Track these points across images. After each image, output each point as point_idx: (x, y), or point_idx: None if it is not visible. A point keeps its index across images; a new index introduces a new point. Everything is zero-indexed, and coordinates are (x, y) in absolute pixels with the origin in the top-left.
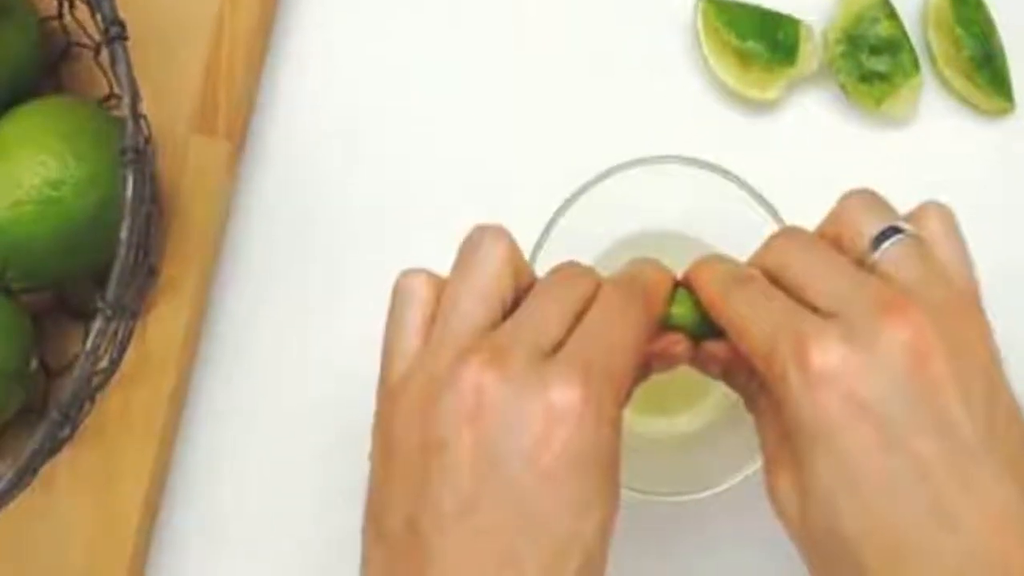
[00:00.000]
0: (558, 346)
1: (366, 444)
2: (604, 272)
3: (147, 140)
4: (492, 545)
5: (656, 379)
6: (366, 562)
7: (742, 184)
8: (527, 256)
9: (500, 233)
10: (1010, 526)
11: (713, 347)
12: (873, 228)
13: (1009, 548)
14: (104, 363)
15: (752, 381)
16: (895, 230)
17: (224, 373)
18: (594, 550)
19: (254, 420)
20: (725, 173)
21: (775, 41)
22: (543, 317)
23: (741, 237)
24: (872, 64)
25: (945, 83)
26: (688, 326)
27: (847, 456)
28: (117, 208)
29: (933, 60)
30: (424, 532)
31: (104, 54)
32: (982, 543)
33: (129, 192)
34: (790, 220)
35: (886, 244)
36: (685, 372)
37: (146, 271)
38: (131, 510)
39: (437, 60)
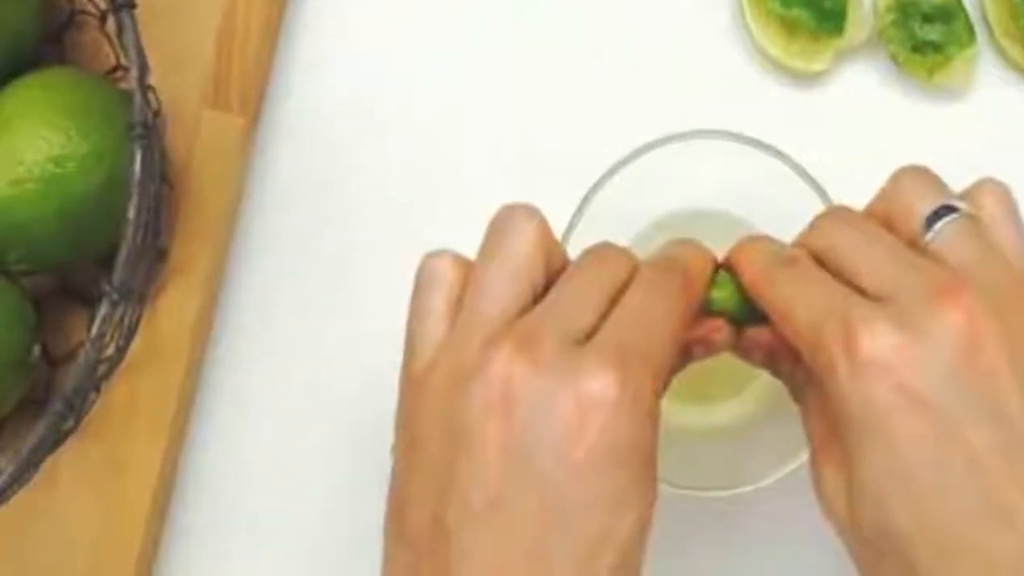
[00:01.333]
0: (592, 332)
1: (387, 437)
2: (641, 254)
3: (156, 114)
4: (521, 542)
5: (696, 367)
6: (388, 559)
7: (787, 161)
8: (559, 237)
9: (531, 213)
10: None
11: (756, 333)
12: (926, 207)
13: None
14: (110, 351)
15: (798, 369)
16: (949, 209)
17: (237, 361)
18: (630, 548)
19: (268, 411)
20: (769, 149)
21: (822, 9)
22: (576, 302)
23: (786, 217)
24: (925, 33)
25: (1001, 53)
26: (730, 311)
27: (898, 449)
28: (124, 186)
29: (989, 29)
30: (450, 528)
31: (110, 23)
32: None
33: (137, 169)
34: (838, 199)
35: (940, 224)
36: (727, 360)
37: (155, 253)
38: (138, 507)
39: (463, 29)
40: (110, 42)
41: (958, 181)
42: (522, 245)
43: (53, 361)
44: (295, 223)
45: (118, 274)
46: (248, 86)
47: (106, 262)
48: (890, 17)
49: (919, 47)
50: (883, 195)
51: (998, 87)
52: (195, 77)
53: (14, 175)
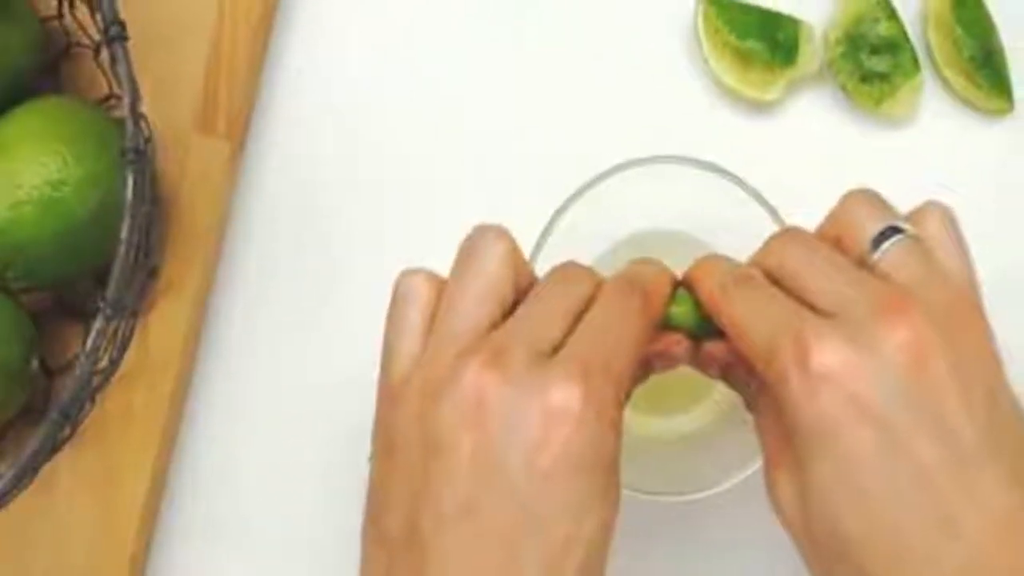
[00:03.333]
0: (558, 346)
1: (367, 444)
2: (604, 272)
3: (147, 140)
4: (492, 546)
5: (656, 379)
6: (366, 561)
7: (742, 184)
8: (527, 256)
9: (500, 233)
10: (1014, 533)
11: (713, 347)
12: (873, 228)
13: (1012, 556)
14: (104, 363)
15: (752, 382)
16: (895, 230)
17: (225, 373)
18: (594, 550)
19: (255, 420)
20: (725, 173)
21: (775, 41)
22: (543, 318)
23: (741, 237)
24: (872, 64)
25: (945, 83)
26: (688, 326)
27: (848, 459)
28: (117, 208)
29: (933, 60)
30: (424, 533)
31: (104, 54)
32: (984, 551)
33: (129, 192)
34: (790, 220)
35: (886, 244)
36: (685, 372)
37: (147, 271)
38: (131, 510)
39: (438, 60)
40: (104, 72)
41: (904, 204)
42: (492, 264)
43: (51, 372)
44: (280, 242)
45: (112, 290)
46: (235, 113)
47: (101, 279)
48: (839, 49)
49: (867, 77)
50: (833, 217)
51: (941, 116)
52: (185, 105)
53: (13, 198)
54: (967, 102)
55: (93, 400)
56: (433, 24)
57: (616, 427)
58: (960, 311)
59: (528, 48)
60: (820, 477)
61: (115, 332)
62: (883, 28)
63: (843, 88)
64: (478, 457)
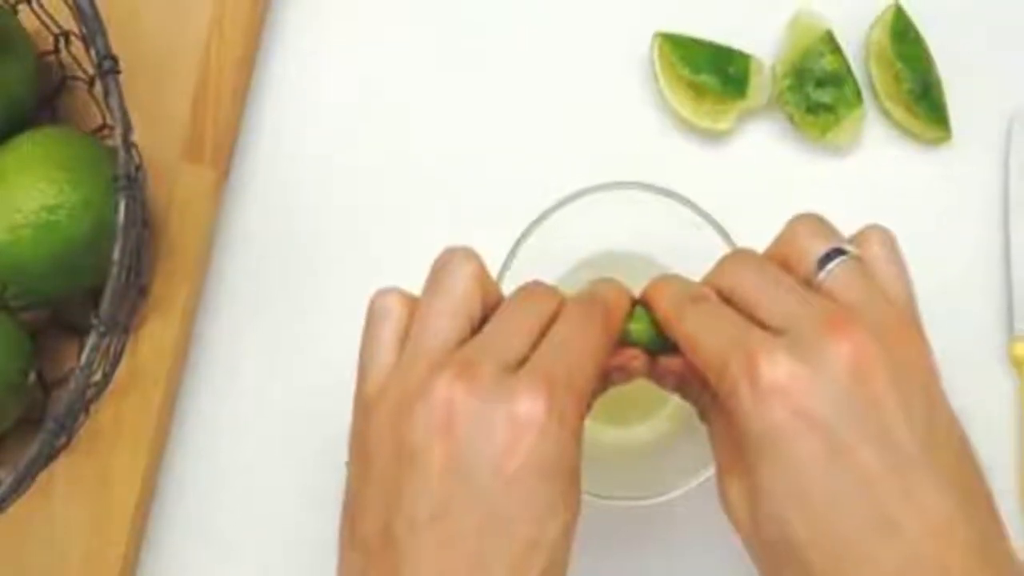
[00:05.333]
0: (524, 360)
1: (344, 453)
2: (567, 291)
3: (138, 168)
4: (462, 548)
5: (615, 391)
6: (343, 563)
7: (696, 209)
8: (495, 276)
9: (469, 255)
10: (948, 534)
11: (668, 361)
12: (818, 250)
13: (947, 555)
14: (98, 376)
15: (705, 393)
16: (839, 252)
17: (210, 386)
18: (557, 552)
19: (239, 430)
20: (680, 198)
21: (727, 75)
22: (509, 333)
23: (695, 258)
24: (817, 96)
25: (886, 114)
26: (645, 342)
27: (795, 466)
28: (110, 231)
29: (875, 92)
30: (398, 536)
31: (97, 87)
32: (922, 549)
33: (121, 216)
34: (741, 243)
35: (830, 265)
36: (642, 385)
37: (137, 290)
38: (122, 513)
39: (408, 95)
40: (97, 104)
41: (847, 227)
42: (461, 283)
43: (47, 385)
44: (262, 263)
45: (104, 309)
46: (220, 142)
47: (94, 297)
48: (787, 82)
49: (813, 109)
50: (780, 239)
51: (882, 144)
52: (173, 134)
53: (12, 222)
54: (906, 132)
55: (87, 411)
56: (402, 61)
57: (578, 436)
58: (900, 327)
59: (494, 82)
60: (768, 483)
61: (108, 348)
62: (827, 62)
63: (790, 119)
64: (448, 464)
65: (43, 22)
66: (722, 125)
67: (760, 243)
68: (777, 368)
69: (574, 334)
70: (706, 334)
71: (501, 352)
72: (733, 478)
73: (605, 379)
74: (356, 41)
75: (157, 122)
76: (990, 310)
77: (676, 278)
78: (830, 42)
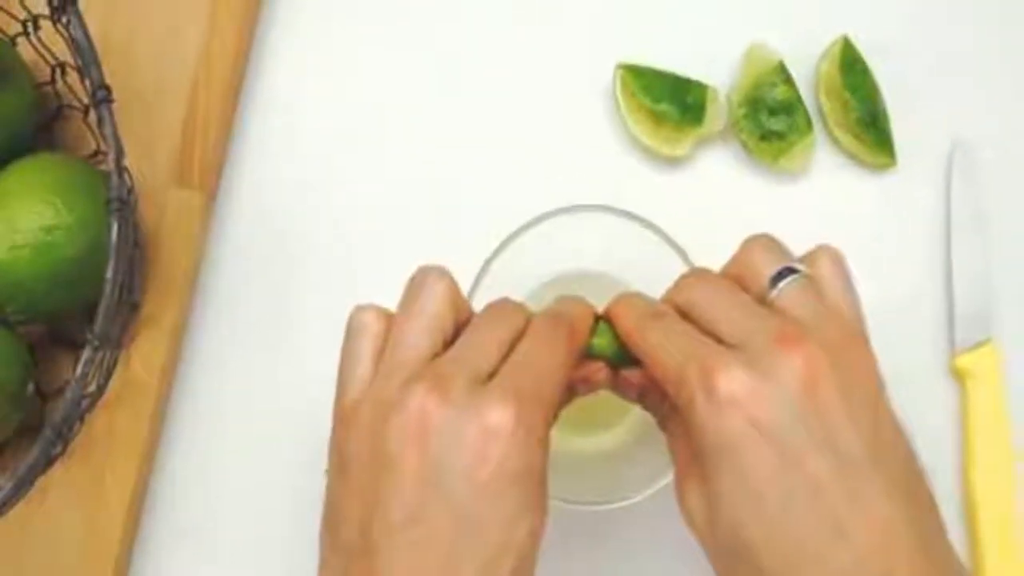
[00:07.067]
0: (493, 373)
1: (326, 461)
2: (534, 308)
3: (130, 191)
4: (435, 551)
5: (580, 402)
6: (323, 565)
7: (656, 230)
8: (466, 293)
9: (442, 273)
10: (894, 537)
11: (630, 374)
12: (771, 269)
13: (893, 557)
14: (92, 388)
15: (664, 404)
16: (791, 271)
17: (199, 397)
18: (525, 554)
19: (225, 439)
20: (641, 220)
21: (685, 104)
22: (480, 348)
23: (655, 277)
24: (770, 124)
25: (835, 141)
26: (608, 355)
27: (749, 473)
28: (104, 251)
29: (824, 120)
30: (375, 539)
31: (92, 115)
32: (869, 552)
33: (114, 237)
34: (698, 262)
35: (783, 283)
36: (606, 396)
37: (129, 307)
38: (115, 518)
39: (385, 124)
40: (92, 131)
41: (798, 247)
42: (434, 300)
43: (44, 396)
44: (248, 281)
45: (99, 324)
46: (207, 167)
47: (89, 313)
48: (742, 110)
49: (766, 136)
50: (735, 259)
51: (832, 170)
52: (163, 160)
53: (12, 242)
54: (854, 158)
55: (82, 421)
56: (379, 92)
57: (545, 444)
58: (848, 341)
59: (467, 111)
60: (724, 488)
61: (101, 361)
62: (780, 92)
63: (744, 145)
64: (422, 471)
65: (40, 54)
66: (680, 151)
67: (716, 263)
68: (732, 381)
69: (541, 348)
70: (666, 348)
71: (472, 365)
72: (691, 484)
73: (570, 390)
74: (335, 73)
75: (148, 148)
76: (933, 325)
77: (637, 295)
78: (782, 73)
